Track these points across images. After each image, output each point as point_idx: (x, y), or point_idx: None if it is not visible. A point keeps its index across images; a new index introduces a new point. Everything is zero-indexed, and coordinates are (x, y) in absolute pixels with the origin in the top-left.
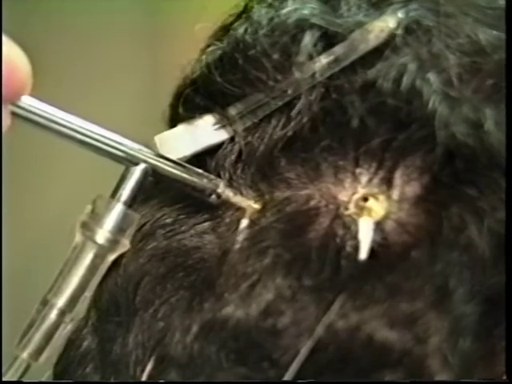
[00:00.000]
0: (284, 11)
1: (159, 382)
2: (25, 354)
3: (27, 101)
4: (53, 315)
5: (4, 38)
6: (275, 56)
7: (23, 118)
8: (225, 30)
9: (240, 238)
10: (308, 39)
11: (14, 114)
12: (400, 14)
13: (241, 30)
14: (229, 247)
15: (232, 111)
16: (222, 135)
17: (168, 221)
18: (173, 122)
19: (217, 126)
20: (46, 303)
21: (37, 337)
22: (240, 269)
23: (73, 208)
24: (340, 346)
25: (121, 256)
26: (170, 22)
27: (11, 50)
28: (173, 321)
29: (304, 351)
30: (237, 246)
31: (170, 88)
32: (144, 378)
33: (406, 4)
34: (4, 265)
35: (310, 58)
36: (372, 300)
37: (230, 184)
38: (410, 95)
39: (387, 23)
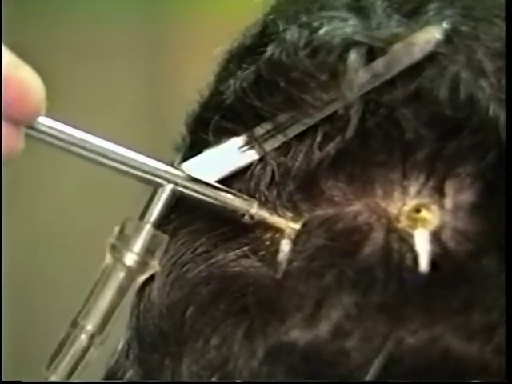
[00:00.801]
0: (323, 31)
1: (159, 382)
2: (54, 377)
3: (46, 123)
4: (83, 338)
5: (17, 60)
6: (321, 76)
7: (41, 141)
8: (249, 51)
9: (289, 261)
10: (354, 57)
11: (28, 135)
12: (445, 24)
13: (276, 52)
14: (279, 269)
15: (259, 132)
16: (250, 157)
17: (206, 248)
18: (194, 148)
19: (245, 148)
20: (75, 325)
21: (66, 360)
22: (300, 290)
23: (72, 210)
24: (415, 360)
25: (161, 286)
26: (169, 33)
27: (24, 71)
28: (231, 348)
29: (375, 368)
30: (289, 267)
31: (168, 101)
32: None
33: (442, 11)
34: (4, 265)
35: (356, 74)
36: (446, 313)
37: (265, 205)
38: (467, 103)
39: (433, 34)
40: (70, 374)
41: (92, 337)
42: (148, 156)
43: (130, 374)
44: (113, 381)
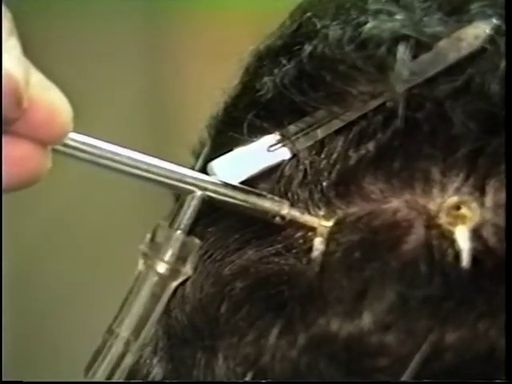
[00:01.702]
0: (370, 25)
1: (159, 382)
2: None
3: (72, 137)
4: (118, 345)
5: (45, 81)
6: (370, 69)
7: (65, 154)
8: (284, 49)
9: (326, 253)
10: (403, 50)
11: (57, 151)
12: (495, 20)
13: (319, 47)
14: (320, 264)
15: (291, 130)
16: (282, 155)
17: (239, 245)
18: (225, 148)
19: (276, 147)
20: (111, 333)
21: (103, 367)
22: (341, 281)
23: (73, 210)
24: (457, 355)
25: (194, 282)
26: (170, 34)
27: (52, 93)
28: (268, 342)
29: (416, 362)
30: (328, 260)
31: (168, 101)
32: None
33: (483, 10)
34: (4, 265)
35: (404, 67)
36: (490, 309)
37: (296, 204)
38: None
39: (483, 29)
40: (108, 380)
41: (127, 344)
42: (173, 163)
43: (156, 371)
44: (112, 381)
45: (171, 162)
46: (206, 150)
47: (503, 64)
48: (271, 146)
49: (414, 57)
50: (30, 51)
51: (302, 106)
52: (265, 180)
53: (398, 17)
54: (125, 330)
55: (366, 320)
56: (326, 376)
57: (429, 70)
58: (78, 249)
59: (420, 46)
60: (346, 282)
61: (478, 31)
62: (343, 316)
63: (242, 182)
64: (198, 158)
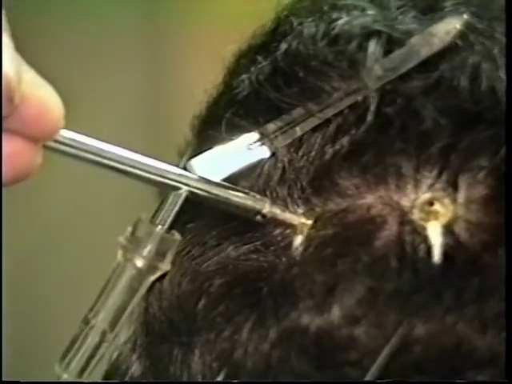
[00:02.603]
0: (342, 21)
1: (161, 382)
2: (66, 376)
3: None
4: (94, 335)
5: (37, 78)
6: (341, 64)
7: (55, 151)
8: (262, 48)
9: (300, 249)
10: (374, 45)
11: (47, 147)
12: (465, 16)
13: (294, 44)
14: (293, 259)
15: (270, 128)
16: (261, 154)
17: (217, 242)
18: (203, 146)
19: (255, 145)
20: (87, 322)
21: (78, 357)
22: (313, 276)
23: (73, 210)
24: (426, 348)
25: (172, 278)
26: (169, 33)
27: (44, 90)
28: (241, 336)
29: (385, 354)
30: (302, 256)
31: (168, 101)
32: None
33: (456, 9)
34: (4, 265)
35: (376, 63)
36: (458, 303)
37: (275, 202)
38: (488, 94)
39: (454, 25)
40: (82, 371)
41: (103, 334)
42: (157, 159)
43: (135, 367)
44: (113, 381)
45: (158, 160)
46: (189, 149)
47: (474, 60)
48: (251, 144)
49: (387, 52)
50: (28, 51)
51: (276, 102)
52: (245, 178)
53: (370, 12)
54: (101, 321)
55: (336, 314)
56: (297, 369)
57: (402, 66)
58: (78, 248)
59: (392, 42)
60: (318, 277)
61: (449, 27)
62: (314, 310)
63: (223, 180)
64: (182, 156)
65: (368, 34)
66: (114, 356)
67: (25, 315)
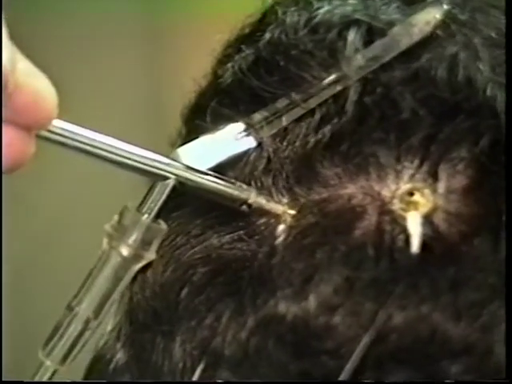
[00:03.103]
0: (323, 10)
1: (159, 382)
2: (48, 362)
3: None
4: (77, 322)
5: (30, 67)
6: (321, 54)
7: (47, 140)
8: (248, 37)
9: (281, 238)
10: (353, 34)
11: (39, 137)
12: (445, 6)
13: (276, 33)
14: (273, 248)
15: (256, 118)
16: (247, 144)
17: (201, 231)
18: (191, 136)
19: (241, 135)
20: (71, 309)
21: (61, 343)
22: (291, 265)
23: (73, 206)
24: (402, 337)
25: (155, 267)
26: (170, 31)
27: (37, 79)
28: (221, 324)
29: (363, 343)
30: (282, 245)
31: (168, 98)
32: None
33: (439, 0)
34: (4, 264)
35: (356, 53)
36: (434, 292)
37: (260, 191)
38: (465, 84)
39: (433, 15)
40: (65, 357)
41: (87, 322)
42: (145, 149)
43: (119, 356)
44: (114, 381)
45: (146, 149)
46: (179, 139)
47: (452, 50)
48: (237, 134)
49: (368, 42)
50: (28, 46)
51: (258, 91)
52: (231, 167)
53: (351, 2)
54: (84, 309)
55: (312, 302)
56: (274, 358)
57: (383, 56)
58: (79, 246)
59: (372, 32)
60: (296, 265)
61: (428, 17)
62: (291, 298)
63: (209, 169)
64: (173, 146)
65: (348, 23)
66: (100, 344)
67: (25, 315)
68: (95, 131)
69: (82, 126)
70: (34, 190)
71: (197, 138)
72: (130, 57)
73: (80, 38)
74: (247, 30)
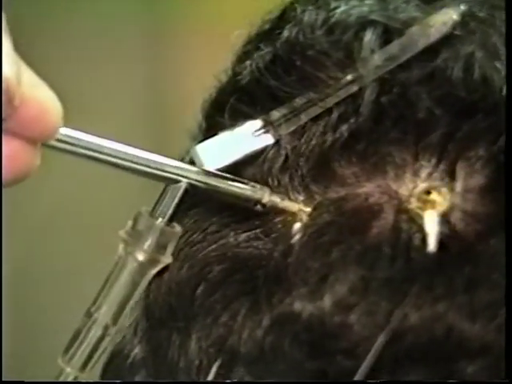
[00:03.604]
0: (340, 10)
1: (167, 382)
2: (69, 369)
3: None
4: (96, 328)
5: (35, 79)
6: (337, 54)
7: (55, 149)
8: (267, 34)
9: (297, 237)
10: (369, 35)
11: (46, 146)
12: (462, 6)
13: (293, 32)
14: (289, 247)
15: (274, 116)
16: (266, 141)
17: (217, 228)
18: (210, 132)
19: (260, 132)
20: (90, 315)
21: (81, 350)
22: (307, 264)
23: (73, 206)
24: (418, 337)
25: (172, 264)
26: (171, 33)
27: (43, 91)
28: (237, 322)
29: (379, 343)
30: (298, 243)
31: (169, 101)
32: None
33: None
34: (4, 264)
35: (372, 54)
36: (450, 291)
37: (278, 189)
38: (481, 83)
39: (451, 16)
40: (85, 364)
41: (106, 328)
42: (153, 152)
43: (136, 351)
44: (117, 381)
45: (156, 153)
46: (201, 133)
47: (469, 49)
48: (256, 130)
49: (385, 42)
50: (29, 51)
51: (275, 90)
52: (251, 164)
53: (368, 2)
54: (103, 315)
55: (327, 301)
56: (289, 356)
57: (400, 56)
58: (80, 246)
59: (389, 32)
60: (312, 264)
61: (445, 17)
62: (306, 297)
63: (227, 166)
64: (193, 139)
65: (364, 24)
66: (119, 339)
67: (25, 315)
68: (99, 136)
69: (84, 130)
70: (34, 190)
71: (216, 134)
72: (131, 59)
73: (80, 39)
74: (267, 27)
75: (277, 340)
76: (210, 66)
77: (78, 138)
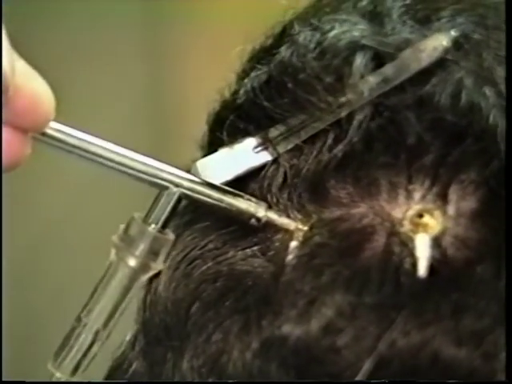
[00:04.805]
0: (332, 34)
1: (160, 383)
2: (58, 374)
3: (53, 126)
4: (87, 333)
5: (29, 70)
6: (327, 79)
7: (49, 145)
8: (266, 52)
9: (291, 257)
10: (360, 60)
11: (37, 139)
12: (453, 32)
13: (287, 54)
14: (281, 267)
15: (273, 133)
16: (264, 158)
17: (216, 245)
18: (212, 147)
19: (258, 149)
20: (80, 320)
21: (71, 355)
22: (297, 286)
23: (73, 210)
24: (404, 362)
25: (168, 281)
26: (170, 35)
27: (36, 82)
28: (228, 342)
29: (366, 368)
30: (290, 265)
31: (168, 103)
32: None
33: (454, 18)
34: (4, 264)
35: (362, 78)
36: (437, 317)
37: (277, 207)
38: (468, 110)
39: (441, 41)
40: (75, 369)
41: (96, 333)
42: (153, 158)
43: (134, 366)
44: (114, 381)
45: (152, 158)
46: (204, 147)
47: (457, 75)
48: (255, 147)
49: (376, 67)
50: (29, 51)
51: (269, 111)
52: (251, 181)
53: (359, 26)
54: (94, 320)
55: (315, 325)
56: (277, 380)
57: (392, 79)
58: (79, 249)
59: (379, 57)
60: (301, 287)
61: (436, 43)
62: (294, 320)
63: (228, 182)
64: (201, 150)
65: (354, 49)
66: (118, 353)
67: (25, 314)
68: (92, 134)
69: (80, 128)
70: (34, 190)
71: (216, 150)
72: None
73: (78, 39)
74: (266, 44)
75: (264, 364)
76: (209, 68)
77: (65, 132)
